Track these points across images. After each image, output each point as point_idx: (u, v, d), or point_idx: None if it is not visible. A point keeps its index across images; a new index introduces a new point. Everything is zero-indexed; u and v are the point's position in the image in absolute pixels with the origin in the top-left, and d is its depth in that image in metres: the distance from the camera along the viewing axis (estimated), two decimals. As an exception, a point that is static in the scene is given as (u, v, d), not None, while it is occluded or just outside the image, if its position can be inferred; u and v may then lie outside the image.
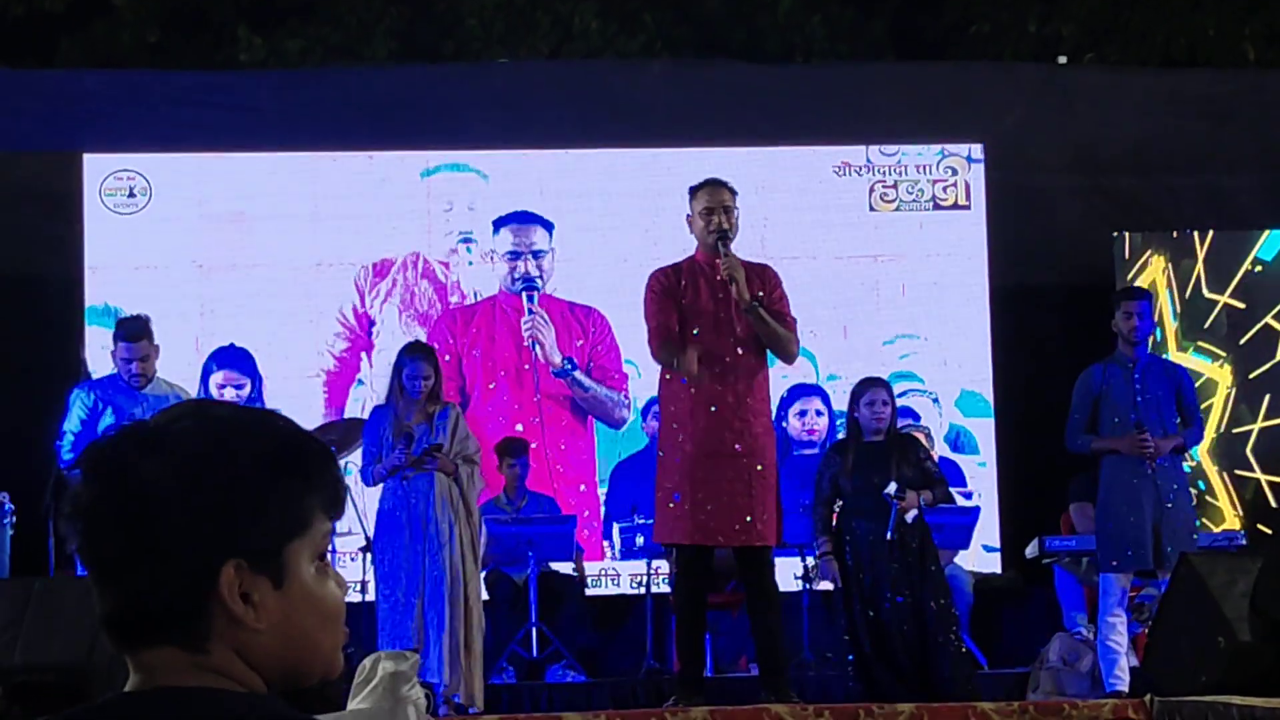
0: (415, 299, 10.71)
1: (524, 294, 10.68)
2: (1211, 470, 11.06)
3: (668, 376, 7.67)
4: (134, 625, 1.62)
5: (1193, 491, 10.52)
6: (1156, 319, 10.81)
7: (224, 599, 1.61)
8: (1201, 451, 10.88)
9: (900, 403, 9.46)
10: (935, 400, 10.83)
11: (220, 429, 1.64)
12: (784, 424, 10.42)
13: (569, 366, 10.64)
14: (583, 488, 10.67)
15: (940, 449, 10.43)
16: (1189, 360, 10.90)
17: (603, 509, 10.62)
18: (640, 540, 9.66)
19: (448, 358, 10.48)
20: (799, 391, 10.60)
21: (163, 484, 1.60)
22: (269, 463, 1.63)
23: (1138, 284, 10.54)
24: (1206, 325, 11.05)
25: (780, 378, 9.58)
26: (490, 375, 10.70)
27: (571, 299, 10.78)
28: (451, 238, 10.76)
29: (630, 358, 10.58)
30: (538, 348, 10.67)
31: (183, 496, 1.60)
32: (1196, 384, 10.81)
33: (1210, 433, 10.86)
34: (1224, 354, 11.07)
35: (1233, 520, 10.73)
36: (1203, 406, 10.86)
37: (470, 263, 10.75)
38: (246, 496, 1.62)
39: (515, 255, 10.75)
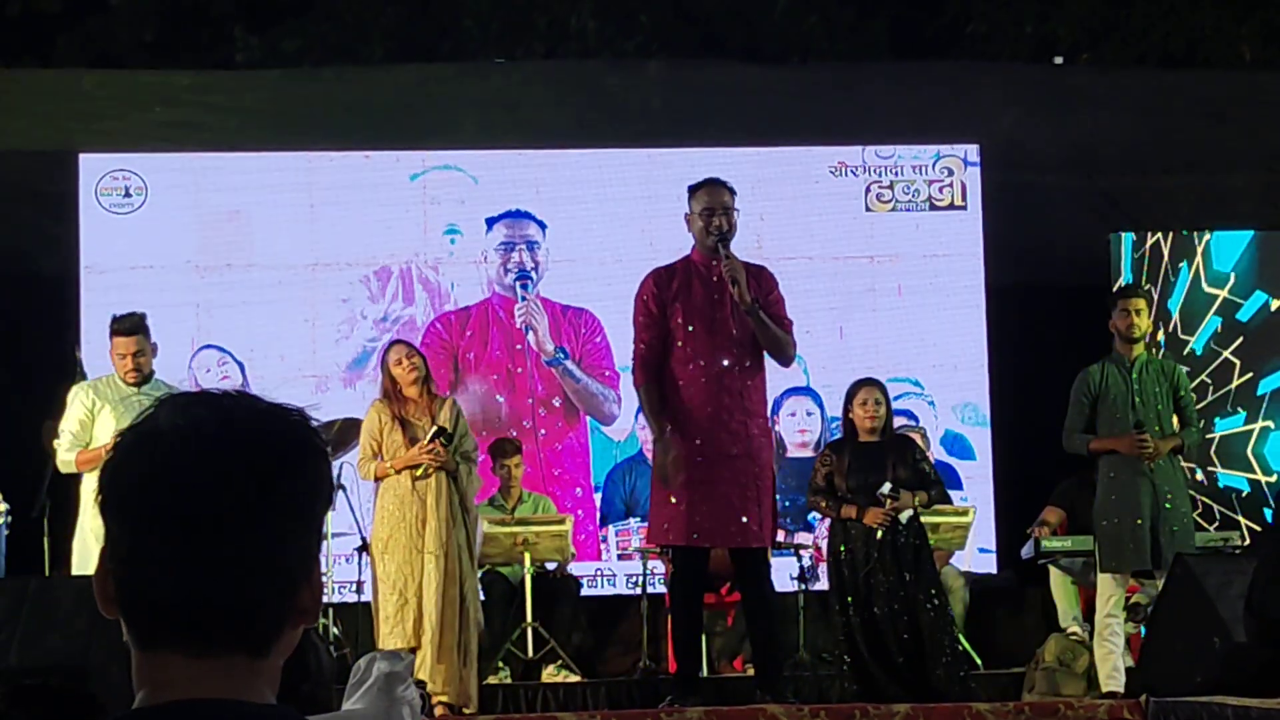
0: (413, 304, 10.71)
1: (518, 283, 10.68)
2: None
3: (665, 379, 7.66)
4: (228, 623, 1.52)
5: (1246, 525, 10.33)
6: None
7: (315, 593, 1.57)
8: None
9: (897, 405, 9.47)
10: (931, 403, 10.83)
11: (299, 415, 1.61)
12: (775, 426, 10.42)
13: (561, 355, 10.64)
14: (579, 490, 10.67)
15: (936, 451, 10.42)
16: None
17: (598, 511, 10.62)
18: (635, 542, 9.66)
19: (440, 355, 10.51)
20: (789, 393, 10.60)
21: (314, 473, 1.57)
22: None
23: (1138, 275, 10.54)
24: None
25: (773, 380, 9.59)
26: (484, 378, 10.70)
27: (566, 299, 10.78)
28: (440, 234, 10.75)
29: (624, 359, 10.57)
30: (531, 334, 10.67)
31: (322, 487, 1.58)
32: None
33: None
34: None
35: None
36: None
37: (452, 253, 10.75)
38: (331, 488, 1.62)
39: (509, 246, 10.75)
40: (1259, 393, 10.01)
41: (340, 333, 10.63)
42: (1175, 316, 10.65)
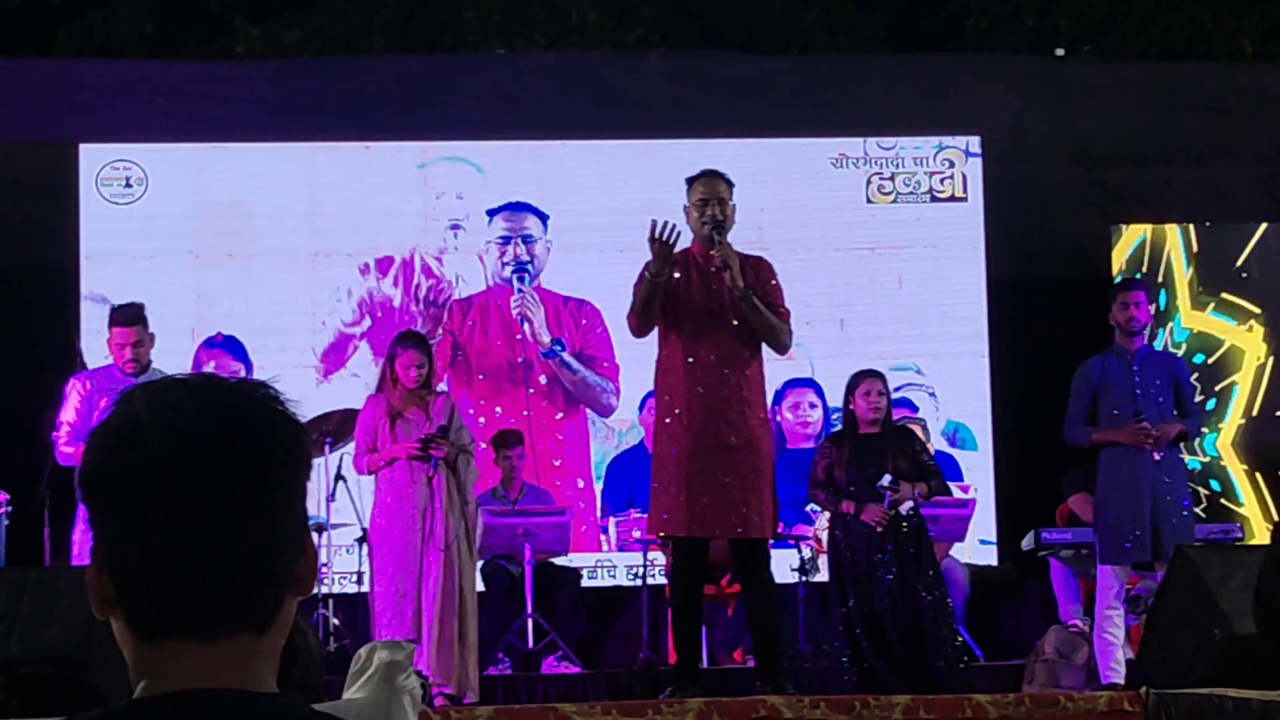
0: (414, 294, 10.70)
1: (515, 276, 10.68)
2: (1237, 468, 10.80)
3: (664, 369, 7.66)
4: (231, 603, 1.52)
5: (1204, 493, 10.49)
6: (1162, 280, 10.77)
7: (310, 561, 1.58)
8: (1223, 444, 10.75)
9: (898, 395, 9.47)
10: (932, 394, 10.82)
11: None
12: (777, 417, 10.41)
13: (558, 347, 10.64)
14: (580, 483, 10.66)
15: (937, 442, 10.42)
16: (1208, 321, 10.77)
17: (599, 503, 10.61)
18: (636, 534, 9.66)
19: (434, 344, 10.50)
20: (792, 384, 10.60)
21: (292, 442, 1.57)
22: None
23: (1138, 266, 10.55)
24: (1237, 266, 10.82)
25: (773, 372, 9.58)
26: (484, 368, 10.69)
27: (568, 290, 10.78)
28: (441, 225, 10.75)
29: (624, 351, 10.55)
30: (526, 325, 10.66)
31: (303, 454, 1.58)
32: (1212, 357, 10.74)
33: (1236, 418, 10.72)
34: (1256, 310, 10.87)
35: (1262, 532, 10.12)
36: (1222, 385, 10.77)
37: (455, 248, 10.75)
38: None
39: (505, 240, 10.76)
40: (1207, 409, 10.63)
41: (344, 322, 10.63)
42: (1191, 262, 10.79)
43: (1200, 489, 10.55)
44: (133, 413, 1.55)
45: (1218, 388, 10.83)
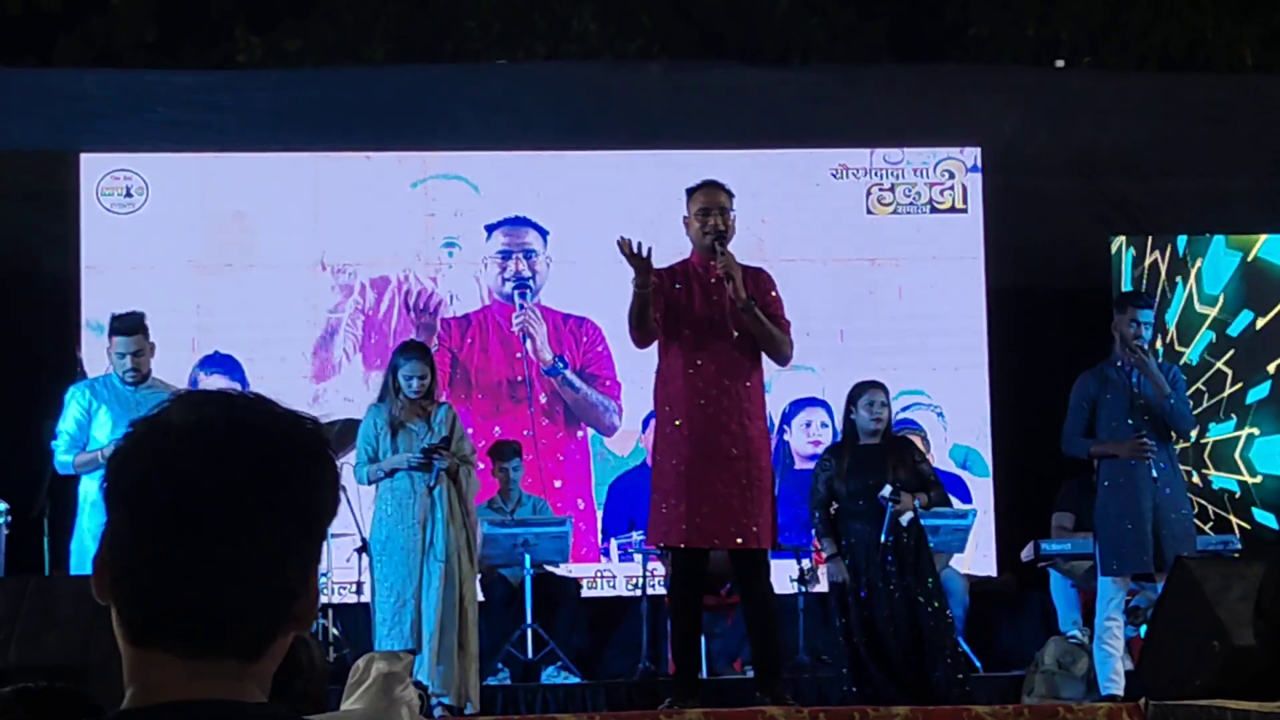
0: (406, 301, 10.68)
1: (516, 291, 10.67)
2: None
3: (665, 380, 7.66)
4: (220, 628, 1.51)
5: (1240, 525, 10.28)
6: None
7: (311, 601, 1.56)
8: None
9: (904, 415, 9.47)
10: (940, 414, 10.78)
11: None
12: (787, 437, 10.41)
13: (560, 365, 10.62)
14: (581, 503, 10.62)
15: (946, 467, 10.38)
16: None
17: (599, 525, 10.58)
18: (637, 556, 9.67)
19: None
20: (803, 404, 10.58)
21: (320, 483, 1.56)
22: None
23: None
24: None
25: (784, 391, 9.59)
26: (483, 386, 10.68)
27: (568, 303, 10.76)
28: (437, 244, 10.74)
29: (625, 369, 10.53)
30: (528, 341, 10.65)
31: (325, 493, 1.57)
32: (1267, 315, 10.22)
33: None
34: None
35: None
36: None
37: (450, 266, 10.74)
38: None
39: (506, 255, 10.74)
40: (1247, 401, 10.14)
41: (347, 337, 10.61)
42: (1172, 329, 10.52)
43: (1241, 523, 9.91)
44: (167, 416, 1.55)
45: (1274, 365, 10.21)
